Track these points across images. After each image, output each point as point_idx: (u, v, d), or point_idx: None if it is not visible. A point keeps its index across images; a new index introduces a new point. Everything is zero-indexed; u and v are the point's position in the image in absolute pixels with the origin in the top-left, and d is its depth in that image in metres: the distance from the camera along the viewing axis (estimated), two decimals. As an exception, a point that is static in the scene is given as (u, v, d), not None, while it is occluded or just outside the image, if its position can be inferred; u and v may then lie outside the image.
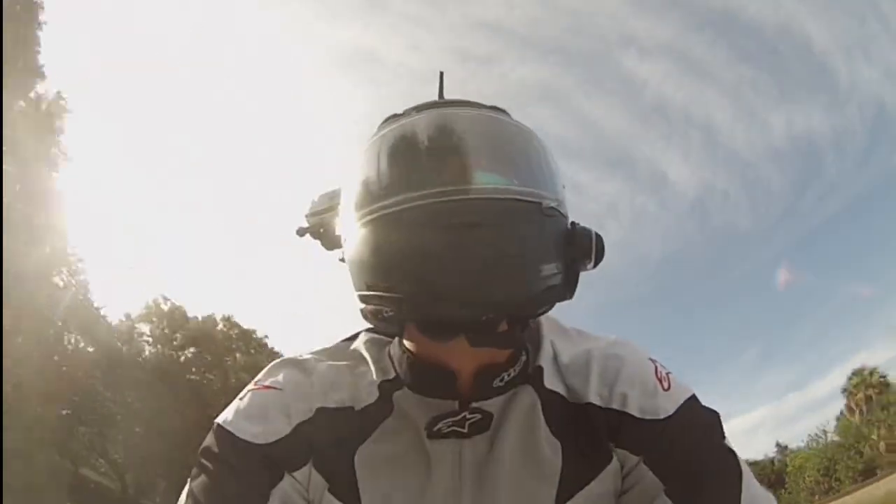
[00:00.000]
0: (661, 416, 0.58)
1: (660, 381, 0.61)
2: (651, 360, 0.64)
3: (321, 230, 0.69)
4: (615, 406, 0.59)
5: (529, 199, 0.53)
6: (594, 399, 0.60)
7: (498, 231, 0.50)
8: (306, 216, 0.70)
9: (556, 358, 0.65)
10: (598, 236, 0.57)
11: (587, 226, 0.57)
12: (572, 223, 0.58)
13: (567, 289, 0.56)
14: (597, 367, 0.62)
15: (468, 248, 0.49)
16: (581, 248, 0.56)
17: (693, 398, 0.61)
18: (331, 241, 0.70)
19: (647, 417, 0.58)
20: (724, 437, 0.60)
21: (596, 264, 0.57)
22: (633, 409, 0.59)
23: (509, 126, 0.59)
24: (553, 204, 0.54)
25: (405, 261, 0.50)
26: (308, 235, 0.70)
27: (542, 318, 0.68)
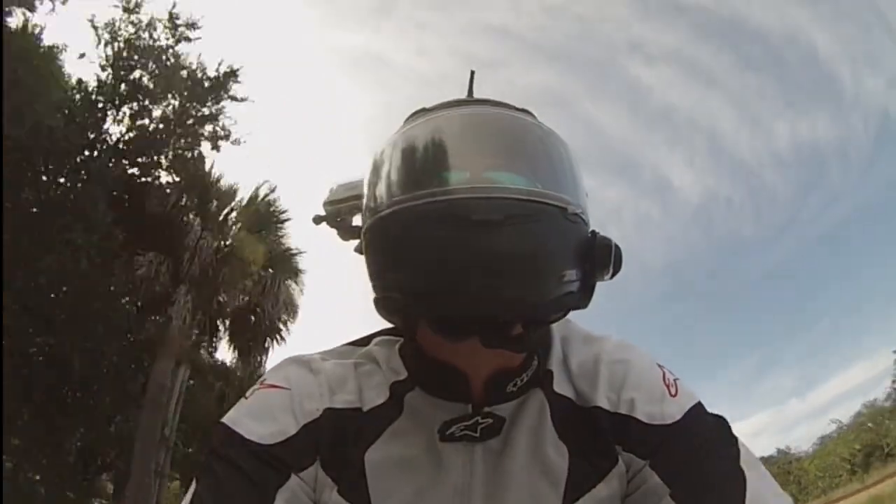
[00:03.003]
0: (668, 422, 0.59)
1: (667, 386, 0.62)
2: (659, 365, 0.64)
3: (338, 219, 0.69)
4: (623, 410, 0.60)
5: (554, 202, 0.52)
6: (602, 403, 0.60)
7: (519, 231, 0.49)
8: (324, 204, 0.69)
9: (565, 360, 0.64)
10: (618, 247, 0.56)
11: (607, 235, 0.57)
12: (593, 232, 0.57)
13: (583, 297, 0.55)
14: (605, 370, 0.62)
15: (486, 246, 0.48)
16: (600, 258, 0.55)
17: (699, 405, 0.61)
18: (347, 232, 0.69)
19: (655, 422, 0.59)
20: (731, 443, 0.59)
21: (613, 275, 0.56)
22: (641, 414, 0.59)
23: (538, 129, 0.59)
24: (577, 210, 0.53)
25: (422, 255, 0.50)
26: (324, 224, 0.70)
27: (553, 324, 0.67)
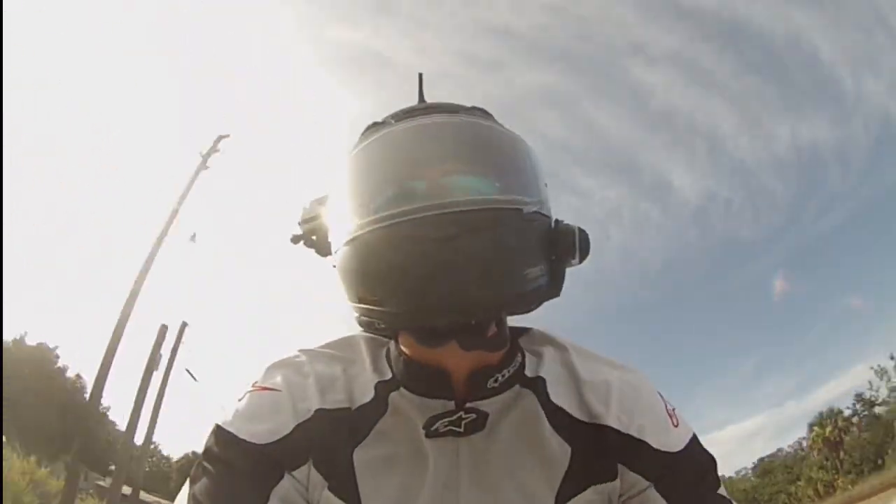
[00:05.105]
0: (675, 450, 0.63)
1: (670, 416, 0.66)
2: (659, 394, 0.68)
3: (313, 238, 0.69)
4: (633, 433, 0.62)
5: (510, 206, 0.54)
6: (613, 423, 0.63)
7: (477, 241, 0.51)
8: (299, 224, 0.70)
9: (572, 373, 0.66)
10: (582, 231, 0.58)
11: (569, 223, 0.58)
12: (556, 221, 0.58)
13: (553, 287, 0.57)
14: (616, 393, 0.65)
15: (449, 261, 0.50)
16: (564, 246, 0.57)
17: (696, 436, 0.66)
18: (323, 249, 0.69)
19: (663, 449, 0.62)
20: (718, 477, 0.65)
21: (582, 260, 0.58)
22: (651, 440, 0.62)
23: (489, 131, 0.60)
24: (534, 208, 0.55)
25: (391, 276, 0.52)
26: (302, 244, 0.70)
27: (543, 333, 0.70)
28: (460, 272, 0.50)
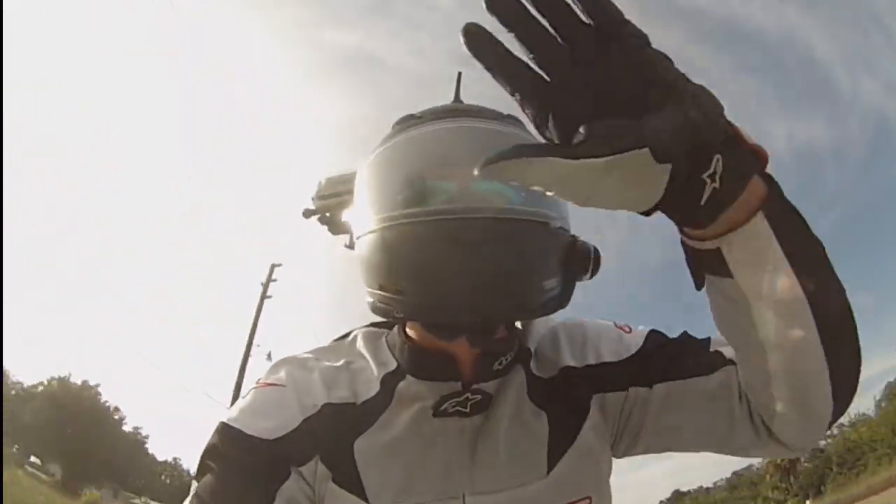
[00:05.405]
0: (634, 350, 0.65)
1: (621, 329, 0.69)
2: (608, 320, 0.71)
3: (327, 214, 0.69)
4: (591, 361, 0.65)
5: (538, 219, 0.55)
6: (570, 362, 0.66)
7: (503, 250, 0.52)
8: (313, 199, 0.69)
9: (533, 339, 0.68)
10: (597, 251, 0.60)
11: (586, 241, 0.60)
12: (573, 237, 0.60)
13: (564, 299, 0.59)
14: (564, 335, 0.69)
15: (474, 265, 0.51)
16: (580, 263, 0.59)
17: (656, 329, 0.67)
18: (337, 227, 0.69)
19: (624, 357, 0.65)
20: (700, 341, 0.65)
21: (592, 276, 0.60)
22: (609, 357, 0.65)
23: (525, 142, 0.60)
24: (559, 223, 0.57)
25: (416, 271, 0.54)
26: (314, 219, 0.70)
27: None
28: (484, 279, 0.52)
